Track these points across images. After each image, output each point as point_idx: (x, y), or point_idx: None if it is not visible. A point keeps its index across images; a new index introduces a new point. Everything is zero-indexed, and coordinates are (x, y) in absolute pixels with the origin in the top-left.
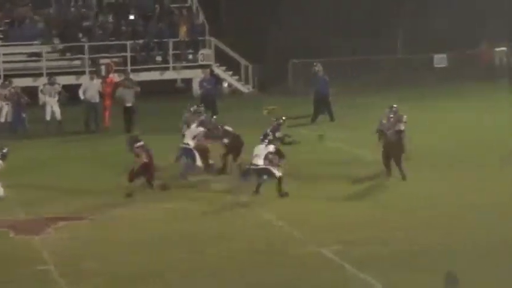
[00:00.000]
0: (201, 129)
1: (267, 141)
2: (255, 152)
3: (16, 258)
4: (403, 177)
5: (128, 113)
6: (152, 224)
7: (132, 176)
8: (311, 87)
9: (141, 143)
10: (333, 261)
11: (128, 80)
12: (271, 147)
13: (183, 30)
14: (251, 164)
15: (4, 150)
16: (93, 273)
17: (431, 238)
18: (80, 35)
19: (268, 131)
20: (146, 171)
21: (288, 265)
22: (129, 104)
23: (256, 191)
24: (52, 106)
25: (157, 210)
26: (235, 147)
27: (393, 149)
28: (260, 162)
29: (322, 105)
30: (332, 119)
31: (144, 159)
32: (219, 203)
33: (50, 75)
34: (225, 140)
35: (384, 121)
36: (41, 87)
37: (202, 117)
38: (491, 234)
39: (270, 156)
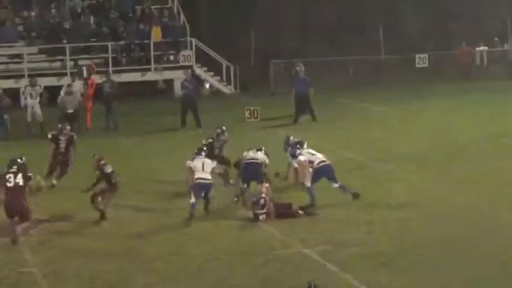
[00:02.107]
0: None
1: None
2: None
3: None
4: None
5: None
6: (134, 225)
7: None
8: (293, 88)
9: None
10: (316, 261)
11: (109, 81)
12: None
13: (156, 31)
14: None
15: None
16: (76, 275)
17: (415, 239)
18: (61, 36)
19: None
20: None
21: (270, 266)
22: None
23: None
24: (33, 107)
25: (139, 212)
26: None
27: None
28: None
29: (303, 105)
30: (314, 118)
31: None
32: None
33: (31, 76)
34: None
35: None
36: (22, 89)
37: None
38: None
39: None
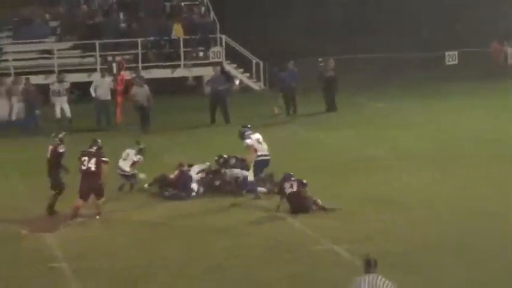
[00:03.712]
0: None
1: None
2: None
3: (29, 255)
4: None
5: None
6: (162, 221)
7: None
8: (282, 82)
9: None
10: (345, 258)
11: (139, 77)
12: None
13: (177, 28)
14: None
15: (141, 146)
16: (105, 270)
17: (449, 236)
18: (91, 32)
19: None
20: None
21: (298, 261)
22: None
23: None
24: (61, 104)
25: (167, 208)
26: None
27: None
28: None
29: (289, 97)
30: (295, 110)
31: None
32: (229, 200)
33: (59, 73)
34: None
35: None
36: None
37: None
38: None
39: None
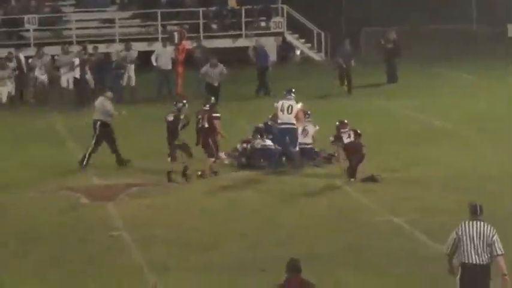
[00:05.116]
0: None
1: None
2: None
3: (89, 223)
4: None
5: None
6: (224, 191)
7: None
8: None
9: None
10: (404, 229)
11: (201, 47)
12: None
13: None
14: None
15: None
16: (164, 239)
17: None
18: (153, 1)
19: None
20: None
21: (358, 232)
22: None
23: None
24: (128, 72)
25: (230, 178)
26: None
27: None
28: None
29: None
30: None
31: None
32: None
33: (126, 41)
34: None
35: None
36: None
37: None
38: None
39: None
